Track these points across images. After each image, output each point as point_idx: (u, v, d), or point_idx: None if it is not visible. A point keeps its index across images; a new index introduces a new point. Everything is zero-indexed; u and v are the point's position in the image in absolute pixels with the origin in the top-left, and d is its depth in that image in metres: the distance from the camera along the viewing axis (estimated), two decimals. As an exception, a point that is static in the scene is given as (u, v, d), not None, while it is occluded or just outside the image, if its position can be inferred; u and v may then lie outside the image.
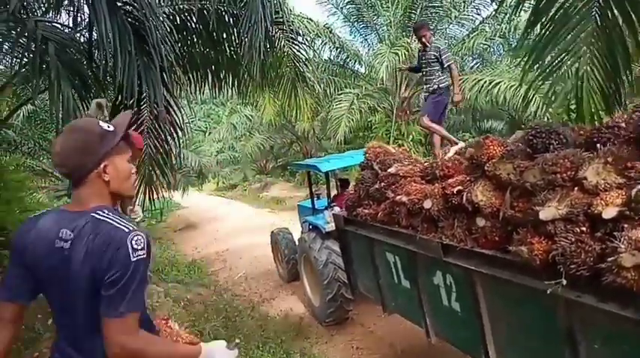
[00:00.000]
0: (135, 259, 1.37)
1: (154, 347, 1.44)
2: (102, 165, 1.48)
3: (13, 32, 3.89)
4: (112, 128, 1.54)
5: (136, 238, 1.38)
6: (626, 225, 1.53)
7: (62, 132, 1.60)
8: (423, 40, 5.04)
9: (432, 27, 11.92)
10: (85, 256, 1.37)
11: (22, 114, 9.31)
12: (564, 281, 1.64)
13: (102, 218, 1.42)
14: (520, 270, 1.89)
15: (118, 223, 1.41)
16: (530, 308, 1.96)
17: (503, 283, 2.04)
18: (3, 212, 4.49)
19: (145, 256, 1.40)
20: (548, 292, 1.68)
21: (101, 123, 1.56)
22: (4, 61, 5.17)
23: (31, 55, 3.53)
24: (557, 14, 3.30)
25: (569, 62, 3.54)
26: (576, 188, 1.75)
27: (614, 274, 1.48)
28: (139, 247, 1.39)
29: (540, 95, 7.23)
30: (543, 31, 3.45)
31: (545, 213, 1.74)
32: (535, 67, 3.83)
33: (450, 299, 2.55)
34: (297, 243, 6.49)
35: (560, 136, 1.94)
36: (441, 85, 4.89)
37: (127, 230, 1.39)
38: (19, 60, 4.50)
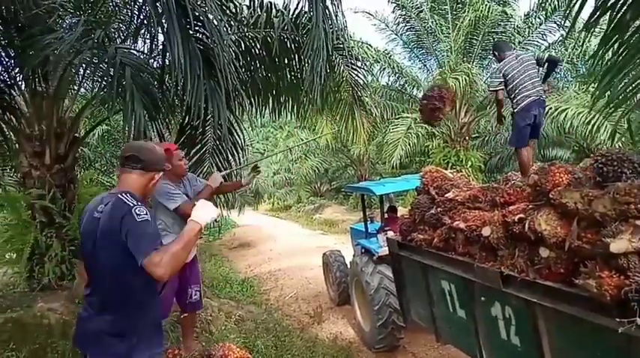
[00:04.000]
0: (140, 220, 1.94)
1: (174, 251, 1.93)
2: (158, 175, 2.23)
3: (95, 58, 4.26)
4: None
5: (137, 209, 1.96)
6: None
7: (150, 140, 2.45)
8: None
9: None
10: (106, 220, 1.98)
11: (97, 133, 10.06)
12: (639, 321, 1.52)
13: (122, 197, 2.01)
14: (588, 306, 1.78)
15: (129, 201, 1.99)
16: (598, 347, 1.83)
17: (568, 318, 1.92)
18: (76, 223, 4.83)
19: (147, 218, 1.97)
20: (620, 331, 1.57)
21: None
22: (85, 84, 5.66)
23: (110, 79, 3.82)
24: (631, 39, 3.15)
25: (644, 89, 3.35)
26: (652, 220, 1.63)
27: (696, 315, 1.36)
28: (142, 213, 1.96)
29: (611, 123, 6.86)
30: (616, 57, 3.29)
31: (617, 246, 1.64)
32: (606, 94, 3.65)
33: (509, 332, 2.42)
34: (348, 266, 6.45)
35: (633, 164, 1.83)
36: (516, 109, 4.44)
37: (131, 204, 1.97)
38: (98, 83, 4.90)
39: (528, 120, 4.43)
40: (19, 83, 4.83)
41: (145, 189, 2.20)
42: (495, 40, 11.86)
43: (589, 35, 3.72)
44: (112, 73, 3.78)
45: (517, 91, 4.39)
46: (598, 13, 3.12)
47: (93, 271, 2.11)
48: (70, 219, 4.76)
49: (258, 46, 5.65)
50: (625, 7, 3.00)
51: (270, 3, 5.48)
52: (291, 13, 5.46)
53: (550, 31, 11.60)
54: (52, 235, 4.62)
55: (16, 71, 4.80)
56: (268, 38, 5.44)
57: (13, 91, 4.77)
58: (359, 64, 6.76)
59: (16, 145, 5.02)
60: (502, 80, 4.44)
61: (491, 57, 11.41)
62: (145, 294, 2.11)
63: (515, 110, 4.38)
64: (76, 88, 5.44)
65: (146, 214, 1.98)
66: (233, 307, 6.28)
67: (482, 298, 2.60)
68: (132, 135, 3.86)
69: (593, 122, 8.37)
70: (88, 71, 4.92)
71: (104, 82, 4.30)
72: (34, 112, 4.69)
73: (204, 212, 2.11)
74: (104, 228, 1.99)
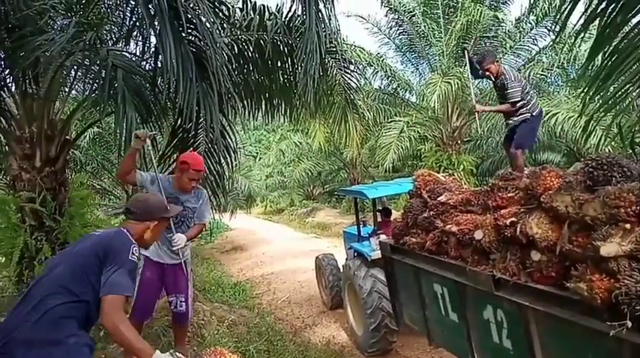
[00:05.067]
0: (131, 259, 2.13)
1: (125, 329, 1.95)
2: (153, 224, 2.43)
3: (87, 60, 4.23)
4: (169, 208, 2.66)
5: (135, 248, 2.18)
6: (699, 266, 1.42)
7: (149, 193, 3.17)
8: (487, 74, 4.72)
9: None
10: (97, 242, 2.18)
11: (88, 136, 9.97)
12: (629, 324, 1.53)
13: (125, 232, 2.28)
14: (579, 309, 1.78)
15: (131, 238, 2.24)
16: (590, 350, 1.83)
17: (559, 322, 1.93)
18: (66, 226, 4.78)
19: (136, 260, 2.20)
20: (612, 334, 1.57)
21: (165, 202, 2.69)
22: (76, 86, 5.62)
23: (101, 81, 3.79)
24: (621, 44, 3.18)
25: (634, 93, 3.38)
26: (642, 224, 1.64)
27: (686, 318, 1.37)
28: (136, 254, 2.18)
29: (602, 127, 6.92)
30: (606, 61, 3.32)
31: (607, 249, 1.64)
32: (596, 99, 3.68)
33: (501, 335, 2.42)
34: (341, 269, 6.43)
35: (623, 169, 1.84)
36: (534, 113, 4.59)
37: (133, 241, 2.21)
38: (90, 85, 4.86)
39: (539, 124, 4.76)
40: (9, 85, 4.79)
41: (142, 237, 2.39)
42: (487, 44, 11.97)
43: (579, 40, 3.74)
44: (103, 75, 3.75)
45: (529, 98, 4.64)
46: (588, 18, 3.16)
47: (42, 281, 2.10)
48: (61, 222, 4.71)
49: (251, 49, 5.64)
50: (615, 12, 3.03)
51: (263, 6, 5.48)
52: (283, 15, 5.47)
53: (541, 36, 11.73)
54: (42, 238, 4.58)
55: (7, 72, 4.75)
56: (261, 41, 5.44)
57: (3, 93, 4.72)
58: (352, 67, 6.78)
59: (6, 148, 4.97)
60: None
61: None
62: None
63: (533, 114, 4.57)
64: (67, 89, 5.40)
65: (137, 259, 2.22)
66: (225, 311, 6.24)
67: (474, 301, 2.61)
68: (123, 138, 3.83)
69: (583, 126, 8.45)
70: (80, 73, 4.88)
71: (96, 84, 4.27)
72: (24, 114, 4.65)
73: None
74: (95, 242, 2.19)
